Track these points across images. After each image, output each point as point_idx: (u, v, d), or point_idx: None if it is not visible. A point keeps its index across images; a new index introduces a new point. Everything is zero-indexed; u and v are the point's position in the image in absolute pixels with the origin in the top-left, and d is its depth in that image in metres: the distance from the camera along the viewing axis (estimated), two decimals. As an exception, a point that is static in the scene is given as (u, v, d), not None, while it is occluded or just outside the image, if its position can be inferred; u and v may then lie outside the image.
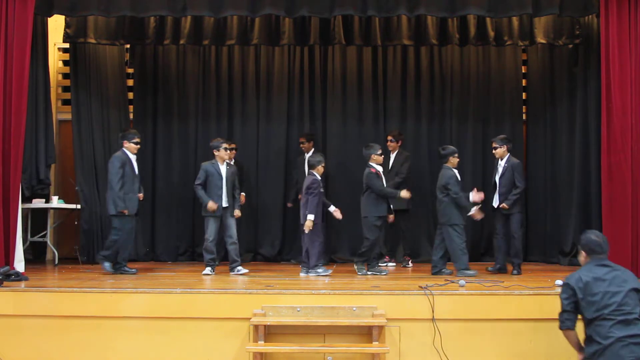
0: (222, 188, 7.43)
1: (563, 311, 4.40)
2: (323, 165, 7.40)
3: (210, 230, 7.36)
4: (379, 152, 7.36)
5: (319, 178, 7.29)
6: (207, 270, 7.30)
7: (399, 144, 8.59)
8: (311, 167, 7.37)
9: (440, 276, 6.97)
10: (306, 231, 7.10)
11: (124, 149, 7.45)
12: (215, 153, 7.55)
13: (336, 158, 9.36)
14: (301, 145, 8.94)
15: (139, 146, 7.53)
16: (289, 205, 9.09)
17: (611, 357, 4.07)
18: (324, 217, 9.44)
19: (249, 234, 9.34)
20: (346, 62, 9.61)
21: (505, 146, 7.57)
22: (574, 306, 4.31)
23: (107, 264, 7.25)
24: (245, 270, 7.40)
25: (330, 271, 7.20)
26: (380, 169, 7.33)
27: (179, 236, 9.43)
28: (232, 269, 7.39)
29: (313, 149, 8.78)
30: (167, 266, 8.56)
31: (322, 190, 7.30)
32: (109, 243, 7.28)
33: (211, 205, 7.29)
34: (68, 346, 5.59)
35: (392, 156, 8.47)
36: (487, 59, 9.69)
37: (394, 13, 7.54)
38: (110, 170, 7.31)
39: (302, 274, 7.16)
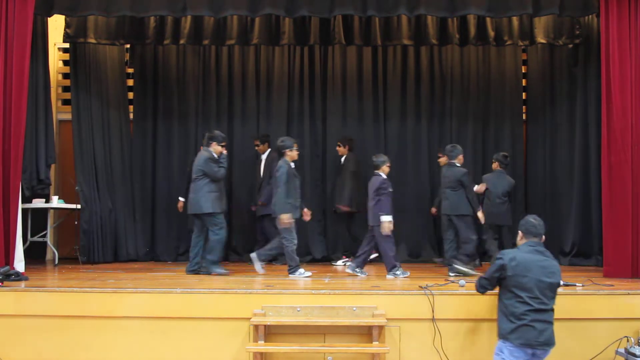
0: (299, 189, 7.22)
1: (486, 278, 4.78)
2: (388, 165, 7.21)
3: (295, 232, 7.06)
4: (461, 153, 7.44)
5: (386, 177, 7.11)
6: (306, 272, 7.03)
7: (346, 149, 8.83)
8: (376, 167, 7.12)
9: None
10: (386, 232, 6.83)
11: (211, 149, 7.36)
12: (288, 153, 7.15)
13: (336, 158, 9.34)
14: (256, 148, 8.96)
15: (224, 150, 7.48)
16: (253, 208, 9.01)
17: (522, 338, 4.45)
18: (323, 215, 9.51)
19: (249, 234, 9.32)
20: (346, 62, 9.62)
21: (445, 156, 7.77)
22: (496, 280, 4.67)
23: (216, 269, 7.18)
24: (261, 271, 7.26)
25: (408, 273, 6.99)
26: None
27: (179, 236, 9.41)
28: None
29: (269, 150, 8.81)
30: (167, 266, 8.56)
31: (391, 189, 7.09)
32: (214, 244, 7.19)
33: (306, 214, 7.36)
34: (68, 346, 5.58)
35: (342, 160, 8.79)
36: (487, 59, 9.70)
37: (394, 13, 7.54)
38: (209, 172, 7.21)
39: (388, 276, 6.86)
